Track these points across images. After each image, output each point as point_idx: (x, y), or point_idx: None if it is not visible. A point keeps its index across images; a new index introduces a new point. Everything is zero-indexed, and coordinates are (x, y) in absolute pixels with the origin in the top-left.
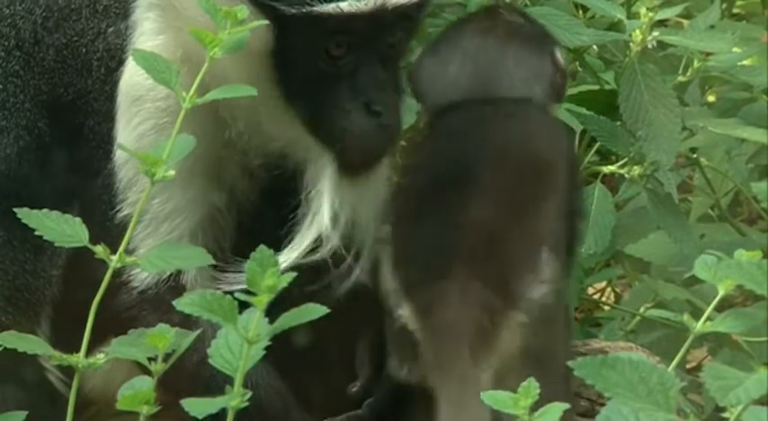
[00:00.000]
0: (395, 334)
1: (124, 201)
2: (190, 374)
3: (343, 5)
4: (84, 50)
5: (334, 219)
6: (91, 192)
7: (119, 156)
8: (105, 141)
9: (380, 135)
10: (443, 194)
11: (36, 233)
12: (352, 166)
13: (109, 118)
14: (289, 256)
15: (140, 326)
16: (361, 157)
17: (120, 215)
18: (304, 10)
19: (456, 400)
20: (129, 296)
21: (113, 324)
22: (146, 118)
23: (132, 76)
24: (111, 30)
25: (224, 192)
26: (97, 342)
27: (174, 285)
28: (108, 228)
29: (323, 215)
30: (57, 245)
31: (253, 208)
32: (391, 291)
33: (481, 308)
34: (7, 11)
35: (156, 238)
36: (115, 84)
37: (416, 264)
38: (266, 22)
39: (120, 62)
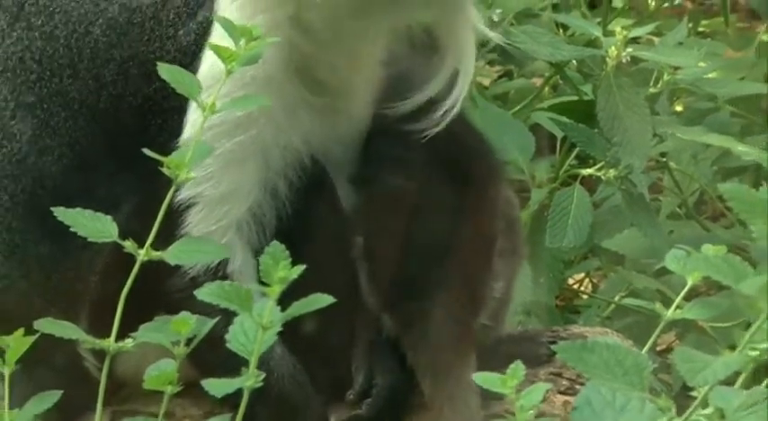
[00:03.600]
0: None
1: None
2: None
3: None
4: (151, 57)
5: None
6: (154, 186)
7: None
8: (176, 134)
9: None
10: (408, 212)
11: (71, 229)
12: None
13: (182, 110)
14: (431, 90)
15: (187, 308)
16: None
17: (180, 196)
18: None
19: (453, 397)
20: (181, 280)
21: (164, 303)
22: (227, 94)
23: (212, 66)
24: (181, 32)
25: (268, 193)
26: (147, 320)
27: (220, 274)
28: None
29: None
30: (95, 249)
31: (289, 210)
32: (371, 304)
33: (461, 324)
34: (60, 31)
35: (208, 224)
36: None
37: (393, 281)
38: None
39: (195, 56)
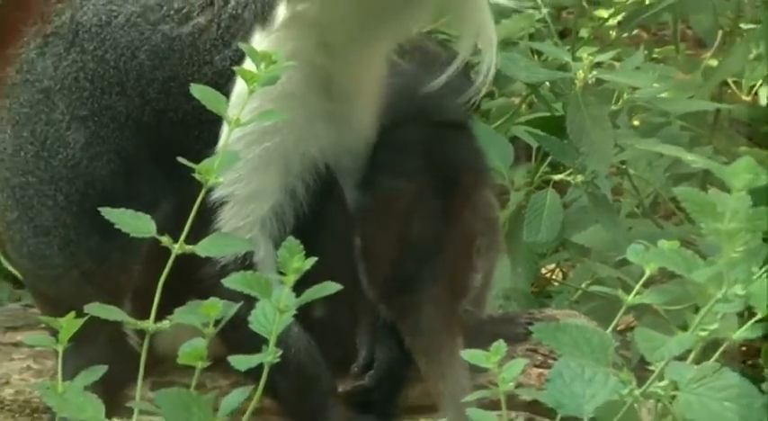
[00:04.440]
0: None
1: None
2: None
3: None
4: (189, 79)
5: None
6: (189, 189)
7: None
8: (211, 144)
9: None
10: (402, 214)
11: (116, 227)
12: None
13: (215, 123)
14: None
15: (215, 294)
16: None
17: (212, 196)
18: None
19: (444, 374)
20: (212, 268)
21: (197, 289)
22: (253, 109)
23: (243, 86)
24: (217, 58)
25: (288, 195)
26: (182, 303)
27: (246, 264)
28: (203, 212)
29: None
30: (136, 243)
31: (305, 210)
32: (370, 296)
33: (449, 310)
34: (110, 55)
35: (236, 222)
36: (225, 95)
37: (388, 277)
38: None
39: (230, 78)
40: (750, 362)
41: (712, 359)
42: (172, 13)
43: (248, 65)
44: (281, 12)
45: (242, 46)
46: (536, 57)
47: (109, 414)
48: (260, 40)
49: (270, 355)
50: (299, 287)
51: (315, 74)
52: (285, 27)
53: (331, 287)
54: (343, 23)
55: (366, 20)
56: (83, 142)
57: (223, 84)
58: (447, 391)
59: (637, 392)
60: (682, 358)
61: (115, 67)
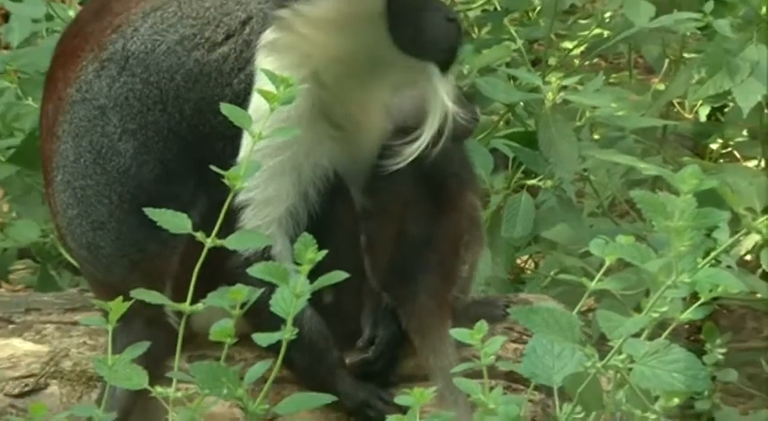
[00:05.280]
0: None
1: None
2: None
3: None
4: (216, 99)
5: (449, 99)
6: (219, 191)
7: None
8: (234, 154)
9: (459, 29)
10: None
11: (158, 224)
12: (447, 61)
13: (239, 137)
14: (427, 134)
15: (241, 281)
16: (452, 50)
17: (237, 199)
18: None
19: (435, 350)
20: (238, 260)
21: (227, 277)
22: (269, 126)
23: (258, 105)
24: (235, 81)
25: (301, 198)
26: (214, 289)
27: (266, 256)
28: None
29: (443, 99)
30: (175, 238)
31: (317, 210)
32: (374, 285)
33: (439, 297)
34: (153, 78)
35: (258, 220)
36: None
37: (388, 269)
38: None
39: (245, 98)
40: (693, 339)
41: (662, 336)
42: (203, 41)
43: (263, 86)
44: (276, 38)
45: (263, 70)
46: (512, 81)
47: (151, 383)
48: (264, 64)
49: (287, 333)
50: (312, 276)
51: (315, 102)
52: (282, 55)
53: (339, 275)
54: (328, 66)
55: (346, 74)
56: (132, 152)
57: (239, 103)
58: (437, 365)
59: (599, 364)
60: (637, 336)
61: (158, 87)
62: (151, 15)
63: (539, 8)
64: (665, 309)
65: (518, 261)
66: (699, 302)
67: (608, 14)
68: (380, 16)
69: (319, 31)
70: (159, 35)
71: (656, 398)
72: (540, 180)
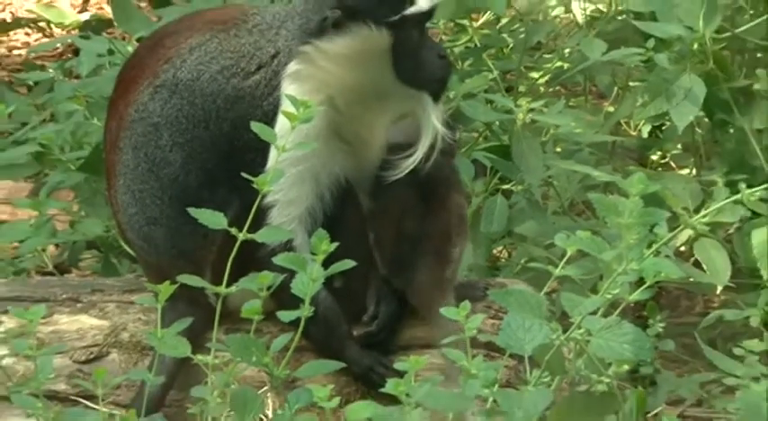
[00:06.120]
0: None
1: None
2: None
3: (424, 4)
4: (249, 118)
5: (439, 122)
6: (250, 194)
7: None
8: (263, 164)
9: (449, 65)
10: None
11: (200, 221)
12: (439, 92)
13: (266, 149)
14: (420, 151)
15: (268, 268)
16: (444, 82)
17: (264, 201)
18: (414, 11)
19: (437, 322)
20: (265, 250)
21: (256, 265)
22: (292, 141)
23: (283, 124)
24: (265, 103)
25: (317, 200)
26: (245, 274)
27: (288, 247)
28: (259, 211)
29: (434, 122)
30: (214, 232)
31: (331, 210)
32: (383, 273)
33: (437, 280)
34: (198, 101)
35: (282, 218)
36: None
37: (393, 259)
38: (386, 31)
39: (273, 118)
40: (639, 316)
41: (614, 314)
42: (239, 71)
43: (287, 108)
44: (299, 69)
45: (287, 95)
46: (489, 104)
47: (193, 351)
48: (288, 90)
49: (305, 311)
50: (325, 264)
51: (330, 124)
52: (303, 83)
53: (347, 264)
54: (341, 93)
55: (356, 100)
56: (180, 161)
57: (268, 122)
58: (441, 334)
59: (562, 337)
60: (593, 313)
61: (202, 109)
62: (197, 49)
63: (511, 45)
64: (616, 291)
65: (494, 251)
66: (644, 286)
67: (567, 50)
68: (386, 54)
69: (335, 65)
70: (203, 66)
71: (609, 365)
72: (512, 185)
